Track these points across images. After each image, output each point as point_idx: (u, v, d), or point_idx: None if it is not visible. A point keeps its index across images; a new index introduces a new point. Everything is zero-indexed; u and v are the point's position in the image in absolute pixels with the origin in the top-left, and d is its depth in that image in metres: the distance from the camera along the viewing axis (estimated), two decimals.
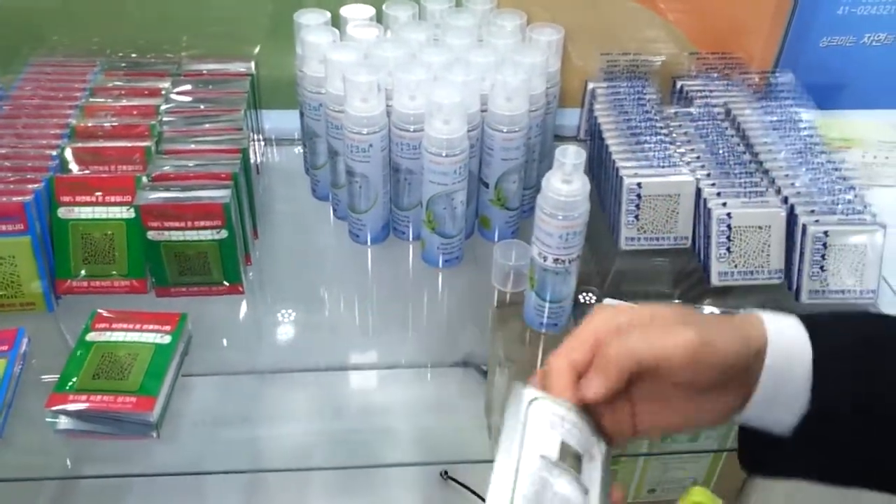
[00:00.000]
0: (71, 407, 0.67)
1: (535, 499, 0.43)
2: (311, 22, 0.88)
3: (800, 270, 0.82)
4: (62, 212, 0.78)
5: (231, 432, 0.74)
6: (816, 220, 0.81)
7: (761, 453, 0.52)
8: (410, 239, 0.90)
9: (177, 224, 0.76)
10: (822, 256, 0.81)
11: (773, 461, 0.52)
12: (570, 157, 0.70)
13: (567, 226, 0.72)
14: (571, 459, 0.46)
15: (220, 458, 0.72)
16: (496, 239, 0.90)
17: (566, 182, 0.71)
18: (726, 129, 0.93)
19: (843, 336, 0.50)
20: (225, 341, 0.82)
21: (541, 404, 0.47)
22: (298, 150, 1.03)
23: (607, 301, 0.81)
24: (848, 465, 0.50)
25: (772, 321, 0.49)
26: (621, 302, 0.80)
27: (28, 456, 0.70)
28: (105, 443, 0.70)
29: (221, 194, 0.77)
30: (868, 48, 1.03)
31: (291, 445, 0.74)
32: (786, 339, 0.49)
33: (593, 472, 0.47)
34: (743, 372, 0.48)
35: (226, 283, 0.81)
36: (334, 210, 0.94)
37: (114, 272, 0.80)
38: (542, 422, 0.46)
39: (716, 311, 0.82)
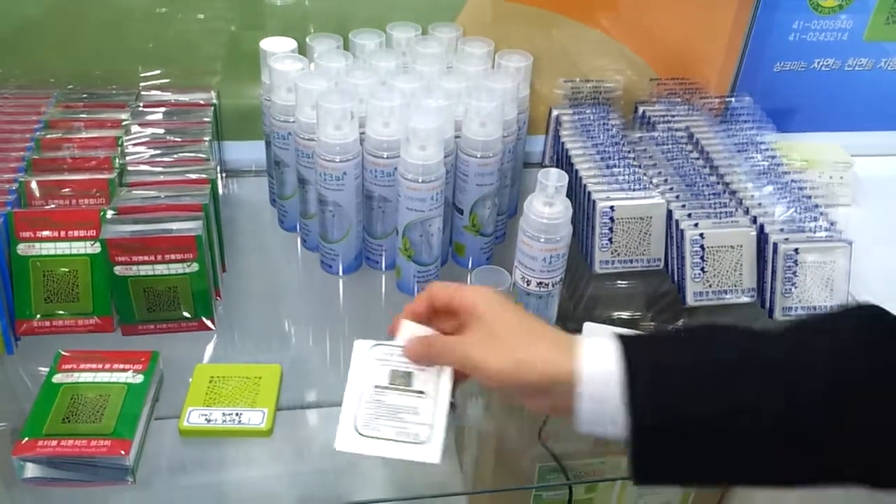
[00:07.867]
0: (41, 453, 0.63)
1: None
2: (277, 50, 0.87)
3: (772, 288, 0.83)
4: (22, 248, 0.74)
5: (203, 477, 0.70)
6: (786, 239, 0.82)
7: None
8: (384, 268, 0.88)
9: (146, 258, 0.73)
10: (794, 274, 0.82)
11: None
12: (553, 179, 0.70)
13: (550, 249, 0.71)
14: None
15: (193, 502, 0.68)
16: (470, 266, 0.89)
17: (548, 204, 0.71)
18: (690, 152, 0.95)
19: (652, 352, 0.52)
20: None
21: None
22: (255, 181, 1.01)
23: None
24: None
25: (588, 350, 0.52)
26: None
27: None
28: (73, 491, 0.67)
29: (193, 226, 0.74)
30: (818, 73, 1.06)
31: (264, 488, 0.71)
32: (598, 370, 0.51)
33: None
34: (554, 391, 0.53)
35: (195, 318, 0.78)
36: (303, 241, 0.91)
37: (78, 310, 0.76)
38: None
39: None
